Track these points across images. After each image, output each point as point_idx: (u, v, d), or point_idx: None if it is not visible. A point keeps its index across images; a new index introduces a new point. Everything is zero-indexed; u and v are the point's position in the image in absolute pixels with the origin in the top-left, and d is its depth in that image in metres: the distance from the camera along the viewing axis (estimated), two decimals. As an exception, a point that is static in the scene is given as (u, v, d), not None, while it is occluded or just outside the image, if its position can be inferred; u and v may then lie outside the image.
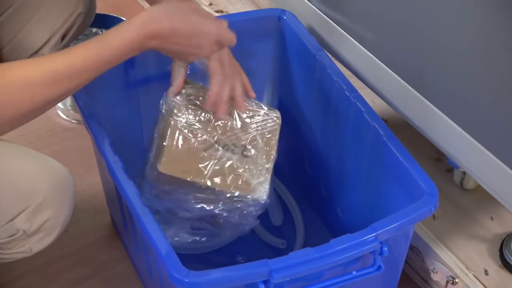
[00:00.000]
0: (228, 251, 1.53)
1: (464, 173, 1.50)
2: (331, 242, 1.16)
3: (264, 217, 1.56)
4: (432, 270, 1.44)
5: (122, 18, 1.90)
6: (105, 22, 1.89)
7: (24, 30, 1.29)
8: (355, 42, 1.44)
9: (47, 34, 1.31)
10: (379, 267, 1.19)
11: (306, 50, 1.50)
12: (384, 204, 1.37)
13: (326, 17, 1.50)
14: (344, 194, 1.51)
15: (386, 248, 1.18)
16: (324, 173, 1.55)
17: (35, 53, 1.31)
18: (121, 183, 1.23)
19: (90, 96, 1.34)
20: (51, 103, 1.09)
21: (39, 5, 1.29)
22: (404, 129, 1.62)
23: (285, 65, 1.58)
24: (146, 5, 2.16)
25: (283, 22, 1.55)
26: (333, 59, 1.50)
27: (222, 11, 1.98)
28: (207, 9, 1.98)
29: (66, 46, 1.38)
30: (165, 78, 1.50)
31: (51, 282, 1.54)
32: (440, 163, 1.58)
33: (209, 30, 1.12)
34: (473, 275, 1.39)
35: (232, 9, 1.99)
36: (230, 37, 1.17)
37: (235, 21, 1.50)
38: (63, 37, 1.35)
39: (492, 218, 1.48)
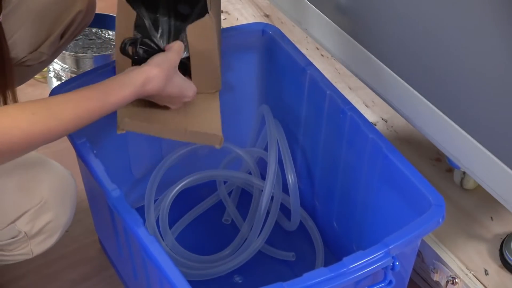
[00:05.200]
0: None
1: (464, 173, 1.50)
2: (344, 260, 1.15)
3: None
4: (432, 270, 1.44)
5: (122, 18, 1.90)
6: (105, 22, 1.89)
7: (23, 27, 1.28)
8: (355, 42, 1.44)
9: (46, 32, 1.31)
10: (390, 282, 1.19)
11: (293, 63, 1.49)
12: (385, 217, 1.37)
13: (325, 16, 1.50)
14: (340, 208, 1.50)
15: (398, 263, 1.18)
16: (318, 188, 1.55)
17: (34, 51, 1.31)
18: (123, 214, 1.23)
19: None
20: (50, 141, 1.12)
21: (38, 2, 1.29)
22: (404, 129, 1.63)
23: (272, 80, 1.58)
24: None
25: (267, 36, 1.54)
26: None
27: (222, 11, 1.98)
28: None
29: (65, 44, 1.38)
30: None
31: (51, 282, 1.54)
32: (440, 163, 1.58)
33: (189, 95, 1.29)
34: (473, 275, 1.39)
35: (232, 9, 1.99)
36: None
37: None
38: (62, 35, 1.34)
39: (492, 218, 1.48)
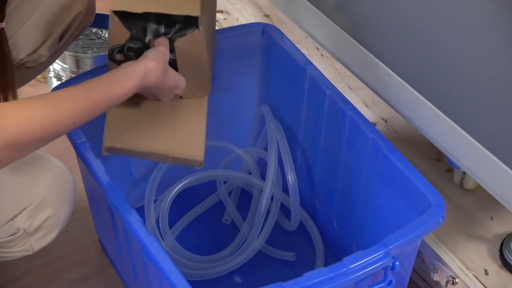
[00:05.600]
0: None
1: (464, 173, 1.50)
2: (344, 260, 1.15)
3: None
4: (432, 270, 1.44)
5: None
6: (105, 22, 1.88)
7: (22, 28, 1.29)
8: (355, 41, 1.44)
9: (45, 33, 1.31)
10: (390, 282, 1.19)
11: (293, 63, 1.49)
12: (385, 217, 1.37)
13: (325, 16, 1.50)
14: (340, 208, 1.50)
15: (398, 263, 1.18)
16: (317, 188, 1.55)
17: (33, 52, 1.31)
18: (123, 214, 1.22)
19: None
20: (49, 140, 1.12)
21: (38, 3, 1.29)
22: (404, 129, 1.63)
23: (272, 80, 1.57)
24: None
25: (267, 36, 1.54)
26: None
27: (222, 11, 1.98)
28: (207, 9, 1.98)
29: (65, 45, 1.38)
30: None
31: (51, 282, 1.54)
32: (440, 163, 1.58)
33: (181, 87, 1.28)
34: (473, 275, 1.39)
35: (232, 9, 1.99)
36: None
37: (217, 38, 1.50)
38: (61, 37, 1.34)
39: (492, 218, 1.48)
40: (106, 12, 1.87)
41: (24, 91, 1.79)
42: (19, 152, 1.07)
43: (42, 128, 1.06)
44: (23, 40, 1.30)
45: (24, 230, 1.30)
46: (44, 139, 1.08)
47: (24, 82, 1.42)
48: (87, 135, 1.33)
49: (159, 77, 1.21)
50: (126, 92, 1.16)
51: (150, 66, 1.19)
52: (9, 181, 1.28)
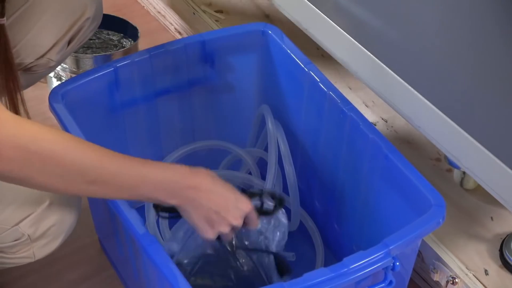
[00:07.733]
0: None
1: (464, 173, 1.50)
2: (344, 260, 1.15)
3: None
4: (432, 270, 1.44)
5: (122, 18, 1.90)
6: (105, 22, 1.88)
7: (31, 33, 1.29)
8: (355, 41, 1.44)
9: (53, 38, 1.31)
10: (391, 282, 1.19)
11: (293, 63, 1.49)
12: (385, 217, 1.37)
13: (325, 16, 1.50)
14: (341, 208, 1.50)
15: (398, 263, 1.18)
16: (317, 188, 1.55)
17: (41, 57, 1.31)
18: (123, 214, 1.22)
19: (75, 121, 1.33)
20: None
21: (47, 9, 1.29)
22: (404, 129, 1.63)
23: (272, 80, 1.57)
24: (146, 5, 2.16)
25: (267, 36, 1.54)
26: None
27: (222, 11, 1.98)
28: (207, 9, 1.98)
29: (72, 50, 1.38)
30: (151, 100, 1.50)
31: (51, 282, 1.54)
32: (440, 163, 1.58)
33: (245, 202, 1.19)
34: (473, 275, 1.39)
35: (232, 9, 1.99)
36: (256, 221, 1.23)
37: (217, 38, 1.51)
38: (69, 42, 1.35)
39: (492, 218, 1.48)
40: (106, 12, 1.88)
41: (24, 90, 1.79)
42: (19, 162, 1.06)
43: (49, 154, 1.06)
44: (32, 45, 1.30)
45: (29, 236, 1.30)
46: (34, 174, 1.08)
47: (29, 85, 1.42)
48: (87, 135, 1.33)
49: (210, 178, 1.16)
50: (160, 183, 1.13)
51: (200, 168, 1.15)
52: (15, 186, 1.27)
